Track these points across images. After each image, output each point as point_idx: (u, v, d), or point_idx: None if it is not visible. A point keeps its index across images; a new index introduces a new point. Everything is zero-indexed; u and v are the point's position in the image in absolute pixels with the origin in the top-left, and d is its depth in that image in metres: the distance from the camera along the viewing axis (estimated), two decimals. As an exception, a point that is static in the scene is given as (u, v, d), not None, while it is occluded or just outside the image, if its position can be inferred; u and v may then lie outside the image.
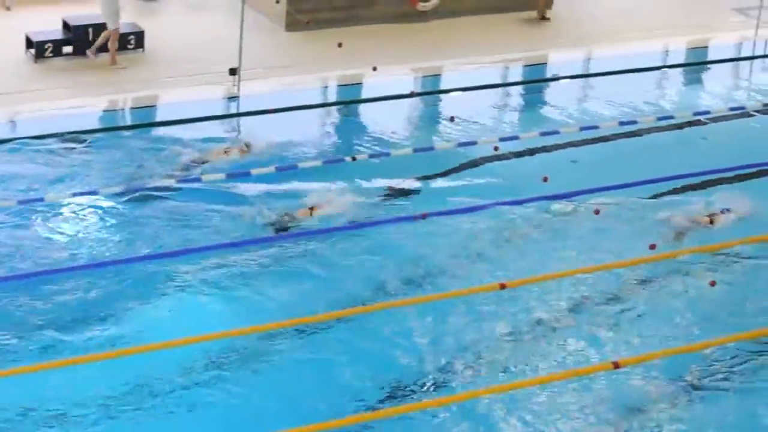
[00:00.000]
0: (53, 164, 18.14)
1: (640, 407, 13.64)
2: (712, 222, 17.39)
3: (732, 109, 21.91)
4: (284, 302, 15.20)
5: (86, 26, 21.84)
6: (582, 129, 20.40)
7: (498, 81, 22.87)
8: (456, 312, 15.02)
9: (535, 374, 14.08)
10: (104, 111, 20.36)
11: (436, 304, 15.21)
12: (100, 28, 21.69)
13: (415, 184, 18.38)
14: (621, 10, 26.45)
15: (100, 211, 17.03)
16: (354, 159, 18.84)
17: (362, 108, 21.75)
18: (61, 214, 16.87)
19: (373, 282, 15.68)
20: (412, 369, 14.04)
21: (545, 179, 17.85)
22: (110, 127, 19.78)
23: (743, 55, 25.01)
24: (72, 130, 18.99)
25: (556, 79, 23.11)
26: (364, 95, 21.97)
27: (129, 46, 22.09)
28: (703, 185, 18.67)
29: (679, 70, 24.12)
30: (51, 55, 21.68)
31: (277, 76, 22.01)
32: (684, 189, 18.51)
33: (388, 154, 19.12)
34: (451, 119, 20.47)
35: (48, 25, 22.18)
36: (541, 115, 21.59)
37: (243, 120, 20.52)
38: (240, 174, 17.95)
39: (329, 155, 19.16)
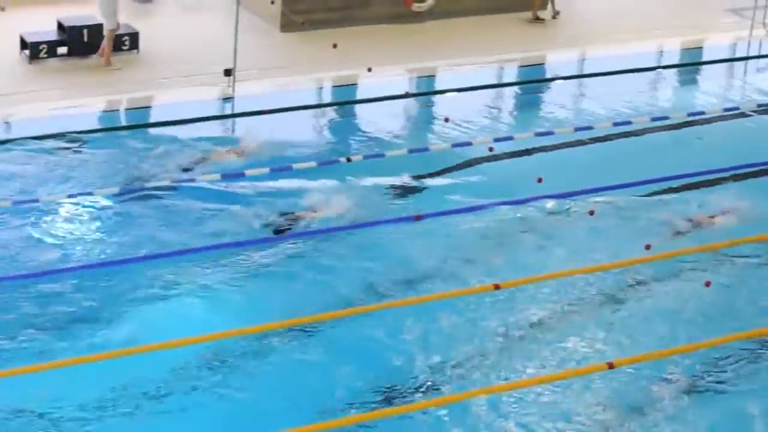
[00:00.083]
0: (48, 165, 18.11)
1: (635, 408, 13.64)
2: (708, 222, 17.40)
3: (727, 109, 21.93)
4: (280, 303, 15.19)
5: (81, 27, 21.79)
6: (577, 129, 20.41)
7: (493, 82, 22.88)
8: (451, 312, 15.01)
9: (530, 375, 14.07)
10: (99, 112, 20.34)
11: (430, 304, 15.21)
12: (94, 28, 21.66)
13: (410, 185, 18.38)
14: (615, 11, 26.46)
15: (94, 212, 17.01)
16: (349, 160, 18.82)
17: (357, 109, 21.75)
18: (55, 215, 16.85)
19: (368, 283, 15.66)
20: (407, 369, 14.02)
21: (540, 180, 17.84)
22: (105, 128, 19.76)
23: (738, 55, 25.04)
24: (66, 131, 18.96)
25: (550, 79, 23.13)
26: (359, 96, 21.97)
27: (124, 48, 22.06)
28: (698, 185, 18.69)
29: (674, 70, 24.15)
30: (46, 56, 21.63)
31: (271, 77, 22.00)
32: (679, 189, 18.52)
33: (382, 155, 19.11)
34: (446, 120, 20.47)
35: (42, 25, 22.14)
36: (536, 115, 21.60)
37: (238, 121, 20.52)
38: (234, 175, 17.94)
39: (324, 156, 19.15)
